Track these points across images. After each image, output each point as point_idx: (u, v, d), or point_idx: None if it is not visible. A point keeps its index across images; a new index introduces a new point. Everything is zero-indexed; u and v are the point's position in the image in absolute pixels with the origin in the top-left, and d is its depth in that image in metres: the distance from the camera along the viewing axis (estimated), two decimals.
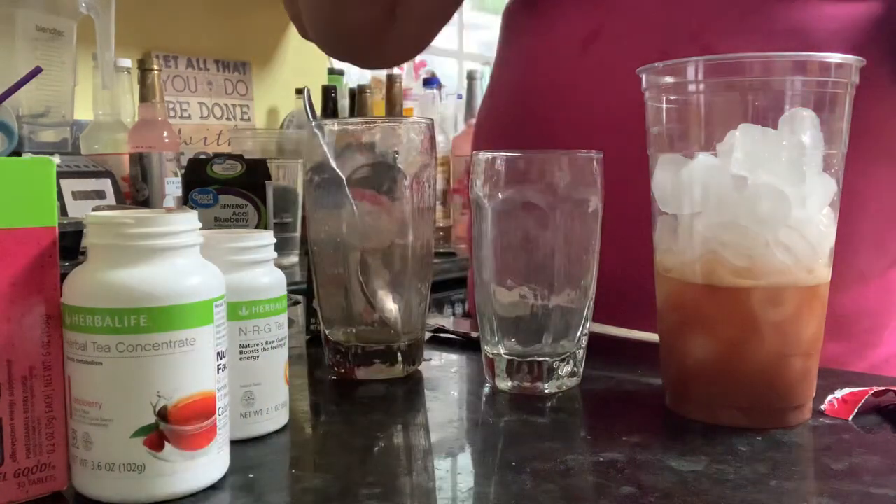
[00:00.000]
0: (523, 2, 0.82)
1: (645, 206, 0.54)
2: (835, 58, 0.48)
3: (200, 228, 0.42)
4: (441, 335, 0.74)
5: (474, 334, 0.70)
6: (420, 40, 0.87)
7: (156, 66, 1.51)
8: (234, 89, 2.00)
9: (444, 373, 0.64)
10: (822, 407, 0.52)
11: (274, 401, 0.49)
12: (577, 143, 0.59)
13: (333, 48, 0.89)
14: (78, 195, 1.33)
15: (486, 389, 0.59)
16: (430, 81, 2.17)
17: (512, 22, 0.84)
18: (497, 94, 0.84)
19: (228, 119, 1.99)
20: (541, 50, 0.77)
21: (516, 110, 0.79)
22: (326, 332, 0.62)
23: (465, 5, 2.09)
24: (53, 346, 0.40)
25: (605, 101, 0.69)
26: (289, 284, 0.51)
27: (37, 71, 0.47)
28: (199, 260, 0.42)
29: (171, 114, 1.86)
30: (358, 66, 0.94)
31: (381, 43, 0.86)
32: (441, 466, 0.45)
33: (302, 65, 2.12)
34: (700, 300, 0.51)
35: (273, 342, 0.49)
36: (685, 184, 0.51)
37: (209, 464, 0.41)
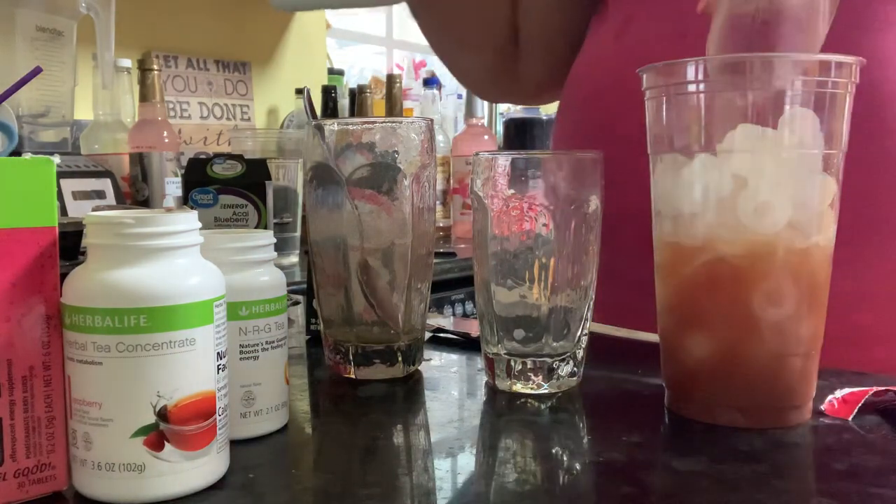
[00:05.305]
0: None
1: None
2: (835, 58, 0.48)
3: (200, 228, 0.42)
4: (441, 335, 0.74)
5: (474, 334, 0.70)
6: (551, 73, 0.89)
7: (156, 66, 1.51)
8: (234, 89, 2.00)
9: (444, 373, 0.64)
10: (822, 407, 0.52)
11: (274, 401, 0.49)
12: (612, 127, 0.68)
13: (476, 92, 1.04)
14: (78, 195, 1.33)
15: (486, 389, 0.59)
16: (430, 81, 2.17)
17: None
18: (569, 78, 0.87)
19: (228, 119, 1.99)
20: (589, 40, 0.81)
21: (571, 95, 0.83)
22: (326, 332, 0.62)
23: None
24: (53, 346, 0.40)
25: (634, 87, 0.72)
26: (289, 284, 0.51)
27: (37, 71, 0.47)
28: (199, 260, 0.42)
29: (171, 114, 1.86)
30: (514, 103, 1.01)
31: (512, 81, 0.90)
32: (441, 466, 0.45)
33: (302, 65, 2.12)
34: (700, 300, 0.51)
35: (273, 342, 0.49)
36: (685, 184, 0.51)
37: (209, 464, 0.41)
